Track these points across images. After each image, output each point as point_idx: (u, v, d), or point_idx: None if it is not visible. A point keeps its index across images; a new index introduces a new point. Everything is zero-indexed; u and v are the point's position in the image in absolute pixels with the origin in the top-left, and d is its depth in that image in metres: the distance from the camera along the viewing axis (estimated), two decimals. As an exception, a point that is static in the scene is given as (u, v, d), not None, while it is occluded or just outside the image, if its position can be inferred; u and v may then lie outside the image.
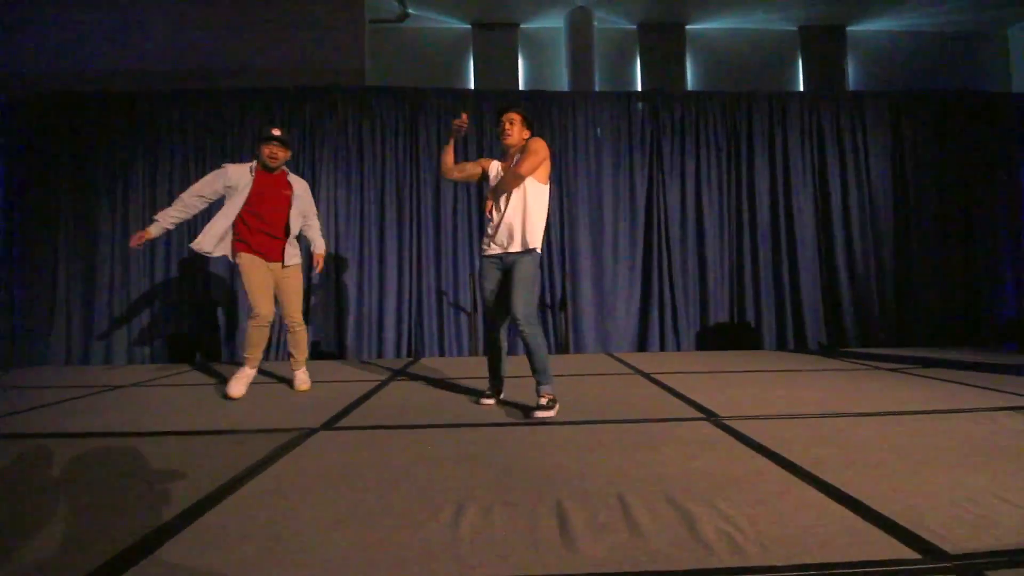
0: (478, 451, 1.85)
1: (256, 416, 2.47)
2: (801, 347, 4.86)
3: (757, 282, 4.97)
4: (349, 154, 4.88)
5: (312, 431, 2.15)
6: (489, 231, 2.58)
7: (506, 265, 2.53)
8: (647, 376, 3.42)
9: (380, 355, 4.74)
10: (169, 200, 4.75)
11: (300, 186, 3.11)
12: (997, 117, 5.11)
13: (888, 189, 5.07)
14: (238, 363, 3.61)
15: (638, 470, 1.63)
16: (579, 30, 6.53)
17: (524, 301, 2.41)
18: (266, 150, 2.91)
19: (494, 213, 2.55)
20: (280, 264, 2.99)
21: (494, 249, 2.55)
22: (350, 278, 4.78)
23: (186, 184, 4.75)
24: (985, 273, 5.00)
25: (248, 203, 2.89)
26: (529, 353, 2.43)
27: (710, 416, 2.31)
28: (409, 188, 4.90)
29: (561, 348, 4.87)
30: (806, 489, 1.46)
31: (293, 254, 3.04)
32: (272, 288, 2.97)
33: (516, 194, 2.49)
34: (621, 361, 4.19)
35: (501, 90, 5.22)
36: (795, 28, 6.89)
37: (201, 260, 4.65)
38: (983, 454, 1.73)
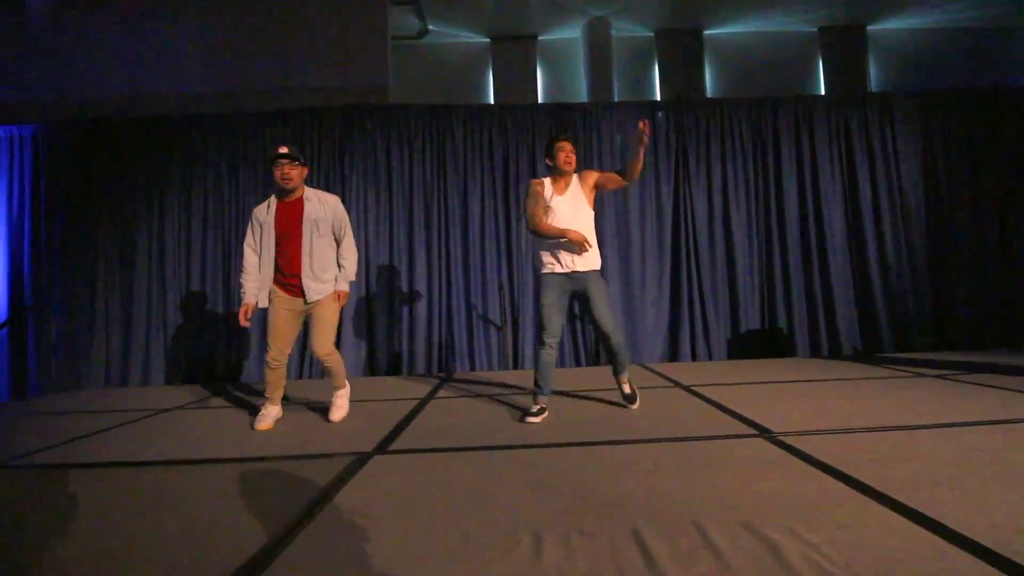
0: (543, 475, 1.85)
1: (306, 440, 2.50)
2: (836, 354, 4.78)
3: (788, 288, 4.91)
4: (378, 171, 4.94)
5: (367, 455, 2.17)
6: (552, 250, 2.72)
7: (576, 283, 2.72)
8: (687, 389, 3.39)
9: (411, 371, 4.77)
10: (204, 224, 4.87)
11: (323, 207, 2.84)
12: (1030, 113, 5.02)
13: (920, 191, 5.00)
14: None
15: (706, 494, 1.61)
16: (597, 40, 6.57)
17: (612, 315, 2.81)
18: (276, 172, 2.71)
19: (566, 232, 2.63)
20: (302, 301, 2.80)
21: (562, 268, 2.71)
22: (380, 294, 4.83)
23: (220, 206, 4.88)
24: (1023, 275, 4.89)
25: (276, 238, 2.77)
26: (618, 357, 2.80)
27: (764, 432, 2.29)
28: (437, 204, 4.94)
29: (591, 360, 4.85)
30: (883, 511, 1.44)
31: (317, 289, 2.79)
32: (292, 327, 2.82)
33: (587, 214, 2.74)
34: (656, 372, 4.16)
35: (524, 104, 5.25)
36: (815, 29, 6.85)
37: (235, 280, 4.73)
38: (1058, 470, 1.69)
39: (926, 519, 1.37)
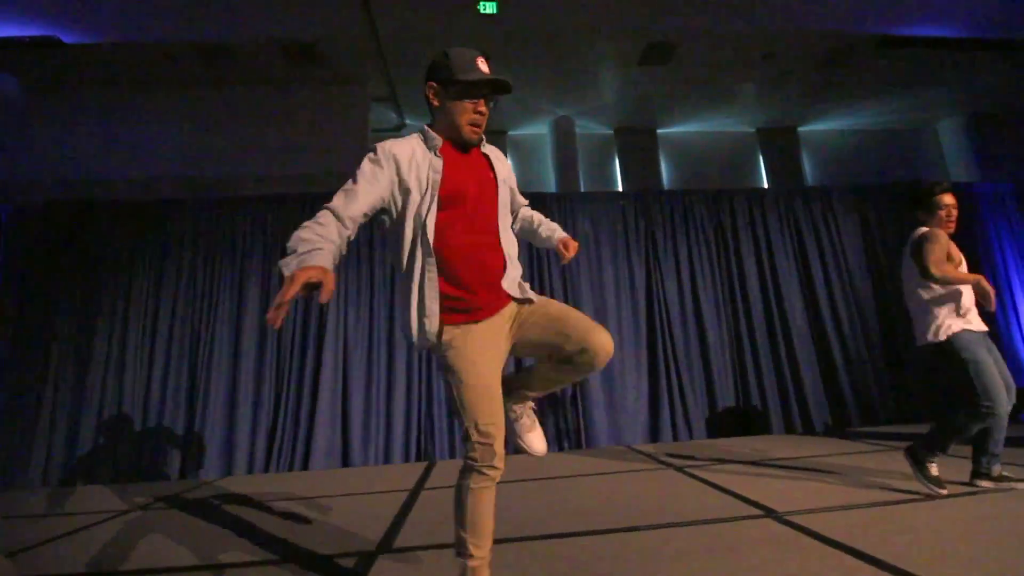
0: (565, 569, 1.78)
1: (297, 537, 2.32)
2: (809, 430, 4.93)
3: (759, 367, 5.12)
4: (359, 256, 4.98)
5: (371, 556, 2.03)
6: (959, 304, 2.52)
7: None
8: (680, 470, 3.39)
9: (387, 459, 4.56)
10: (172, 313, 4.67)
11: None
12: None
13: (864, 272, 5.47)
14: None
15: (737, 580, 1.60)
16: (562, 135, 7.12)
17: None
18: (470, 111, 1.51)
19: (980, 279, 2.46)
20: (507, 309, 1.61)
21: (977, 327, 2.51)
22: (357, 379, 4.69)
23: (192, 294, 4.73)
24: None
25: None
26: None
27: (769, 512, 2.30)
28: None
29: (574, 444, 4.79)
30: (912, 589, 1.46)
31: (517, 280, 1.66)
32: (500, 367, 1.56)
33: None
34: (643, 453, 4.15)
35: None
36: (753, 130, 7.69)
37: (201, 377, 4.51)
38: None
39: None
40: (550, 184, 7.04)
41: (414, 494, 3.14)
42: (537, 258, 5.13)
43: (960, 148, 7.10)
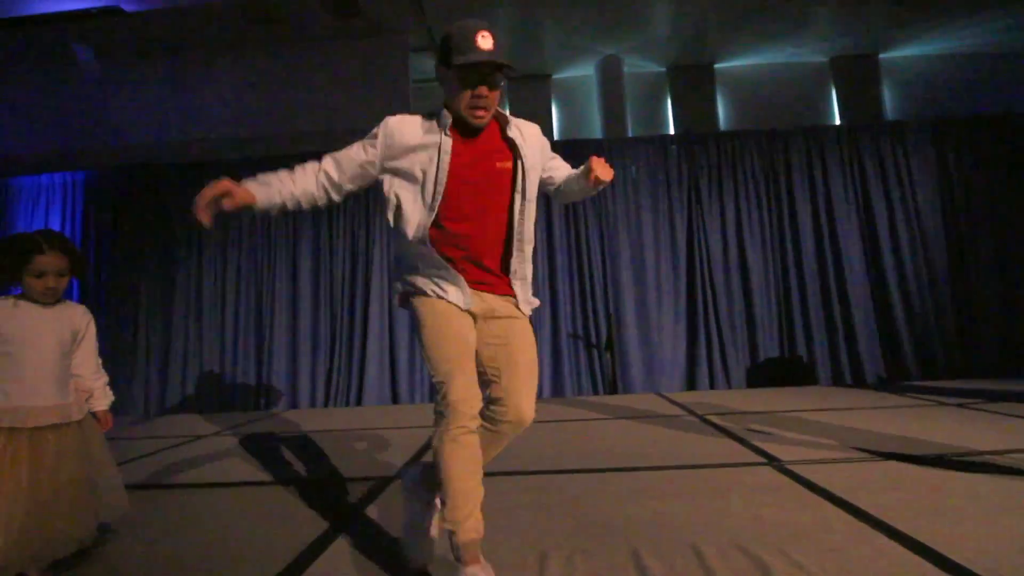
0: (552, 500, 1.94)
1: (338, 462, 2.64)
2: (859, 382, 4.73)
3: (807, 317, 4.91)
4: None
5: (388, 479, 2.29)
6: None
7: None
8: (701, 418, 3.43)
9: (433, 400, 4.90)
10: (237, 266, 5.14)
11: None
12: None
13: (938, 218, 4.99)
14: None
15: (708, 519, 1.68)
16: (610, 77, 6.80)
17: None
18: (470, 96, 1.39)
19: None
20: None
21: None
22: (403, 327, 5.00)
23: (255, 244, 5.16)
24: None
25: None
26: None
27: (772, 460, 2.33)
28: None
29: (609, 389, 4.91)
30: (877, 537, 1.49)
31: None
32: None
33: None
34: (672, 401, 4.20)
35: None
36: (826, 60, 6.95)
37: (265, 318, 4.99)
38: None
39: (918, 544, 1.42)
40: (595, 130, 6.83)
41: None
42: (573, 211, 5.10)
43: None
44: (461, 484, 1.29)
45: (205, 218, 1.33)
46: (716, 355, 4.88)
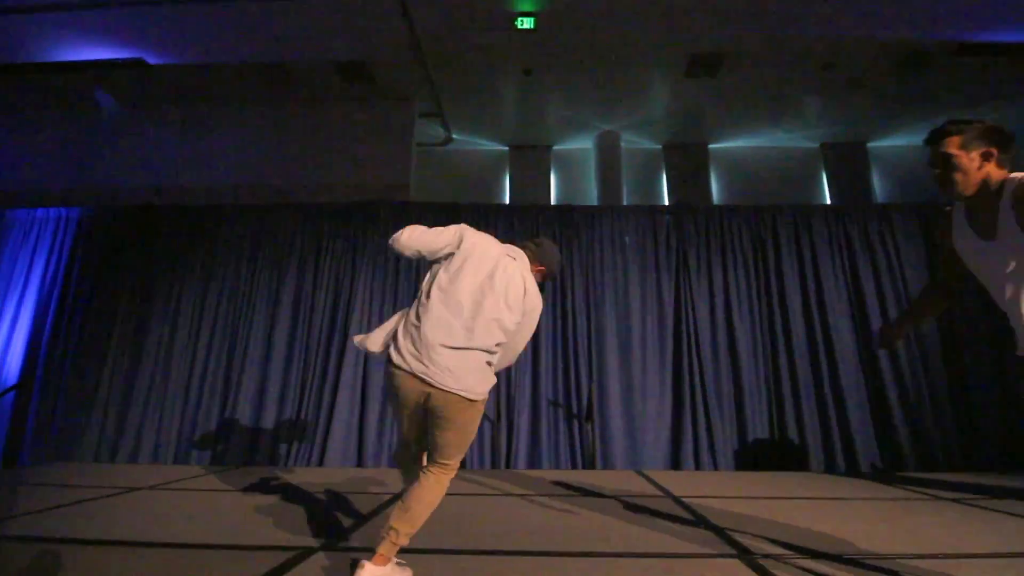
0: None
1: (254, 528, 2.39)
2: (852, 470, 4.43)
3: (797, 398, 4.69)
4: (387, 265, 5.15)
5: (310, 551, 2.05)
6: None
7: None
8: (676, 500, 3.16)
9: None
10: (216, 311, 5.05)
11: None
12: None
13: (929, 300, 4.88)
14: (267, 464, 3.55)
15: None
16: (607, 150, 7.00)
17: None
18: None
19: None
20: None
21: None
22: (376, 385, 4.81)
23: (236, 293, 5.09)
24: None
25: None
26: None
27: (743, 553, 2.08)
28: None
29: (588, 463, 4.61)
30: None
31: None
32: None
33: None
34: (651, 480, 3.91)
35: (533, 205, 5.53)
36: (817, 145, 7.15)
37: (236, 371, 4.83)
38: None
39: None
40: (592, 198, 6.94)
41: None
42: (561, 274, 5.04)
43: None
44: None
45: None
46: (703, 434, 4.62)
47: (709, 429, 4.64)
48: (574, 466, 4.62)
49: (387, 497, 3.14)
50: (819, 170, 7.07)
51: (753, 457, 4.58)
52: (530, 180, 7.21)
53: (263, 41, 5.34)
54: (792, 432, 4.62)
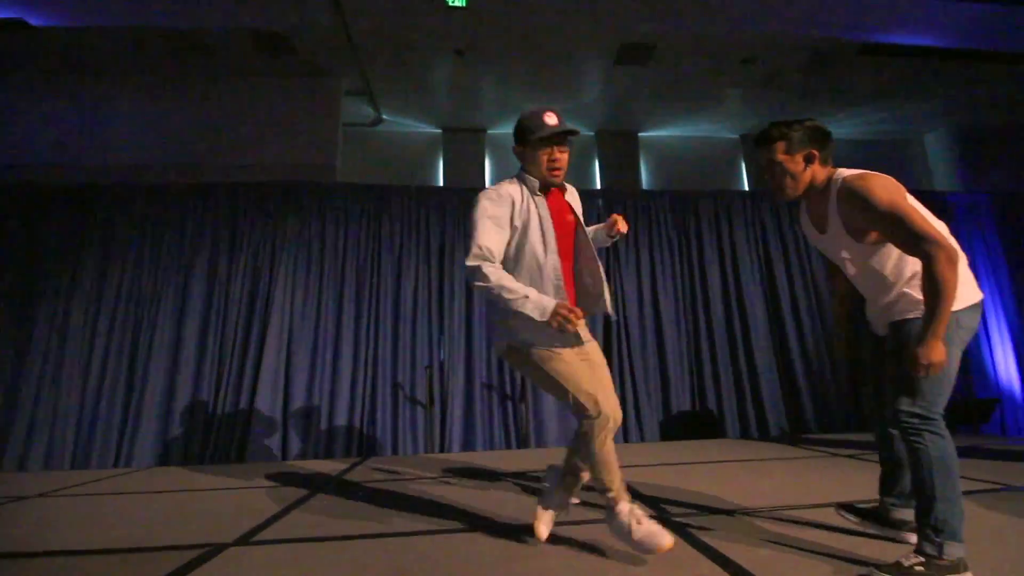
0: (407, 563, 1.67)
1: (159, 529, 2.22)
2: (764, 435, 4.78)
3: (716, 371, 4.98)
4: (310, 249, 4.91)
5: (221, 547, 1.93)
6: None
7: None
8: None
9: (329, 455, 4.45)
10: (116, 298, 4.60)
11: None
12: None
13: (828, 278, 5.31)
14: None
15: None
16: (539, 135, 7.02)
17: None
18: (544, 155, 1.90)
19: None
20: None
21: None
22: (300, 374, 4.60)
23: (137, 280, 4.66)
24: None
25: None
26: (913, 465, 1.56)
27: (662, 516, 2.18)
28: (369, 283, 4.90)
29: (521, 442, 4.67)
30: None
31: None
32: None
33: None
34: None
35: (467, 188, 5.46)
36: (737, 136, 7.55)
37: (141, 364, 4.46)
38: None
39: None
40: (523, 183, 6.94)
41: (323, 487, 3.03)
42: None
43: (946, 161, 6.93)
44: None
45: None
46: (630, 407, 4.80)
47: (636, 403, 4.82)
48: (508, 446, 4.66)
49: (304, 493, 3.01)
50: (739, 159, 7.46)
51: (677, 427, 4.82)
52: (465, 163, 7.11)
53: (166, 3, 4.87)
54: (711, 402, 4.90)
